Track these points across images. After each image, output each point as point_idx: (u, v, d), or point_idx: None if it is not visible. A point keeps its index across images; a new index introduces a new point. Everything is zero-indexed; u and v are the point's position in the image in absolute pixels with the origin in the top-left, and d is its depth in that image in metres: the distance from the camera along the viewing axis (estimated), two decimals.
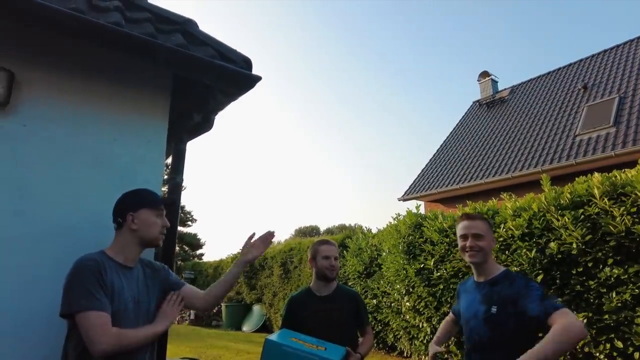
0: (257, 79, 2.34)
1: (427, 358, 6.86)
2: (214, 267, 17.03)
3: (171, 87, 2.37)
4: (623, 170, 4.69)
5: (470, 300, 1.99)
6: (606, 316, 4.33)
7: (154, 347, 1.81)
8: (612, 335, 4.31)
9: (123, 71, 2.25)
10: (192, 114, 2.62)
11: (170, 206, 2.41)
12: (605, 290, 4.36)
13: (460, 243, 2.04)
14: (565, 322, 1.63)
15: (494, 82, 17.33)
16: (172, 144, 2.55)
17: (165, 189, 2.69)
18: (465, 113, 17.41)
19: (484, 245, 1.94)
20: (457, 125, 16.89)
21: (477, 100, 17.29)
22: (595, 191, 4.52)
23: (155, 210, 1.80)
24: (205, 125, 2.64)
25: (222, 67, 2.21)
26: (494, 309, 1.83)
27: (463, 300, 2.08)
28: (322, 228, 42.57)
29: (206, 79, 2.24)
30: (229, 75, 2.26)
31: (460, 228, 2.04)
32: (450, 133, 16.57)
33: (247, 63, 2.33)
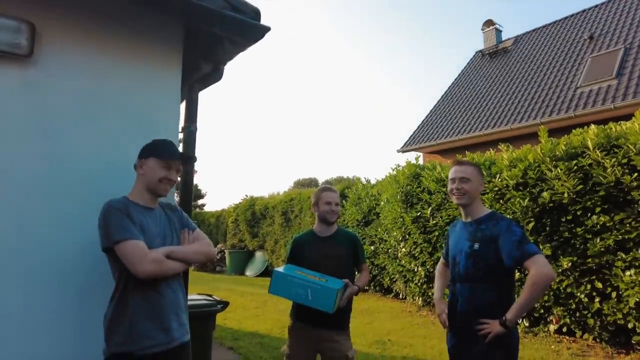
0: (266, 29, 2.40)
1: (420, 299, 7.33)
2: (216, 217, 17.48)
3: (183, 38, 2.43)
4: (619, 122, 4.80)
5: (458, 238, 2.21)
6: (589, 260, 4.64)
7: (182, 279, 2.01)
8: (593, 277, 4.65)
9: (137, 22, 2.29)
10: (201, 64, 2.68)
11: (187, 158, 2.55)
12: (590, 236, 4.64)
13: (449, 186, 2.24)
14: (534, 273, 1.91)
15: (498, 32, 16.87)
16: (184, 93, 2.64)
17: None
18: (468, 63, 17.11)
19: (469, 189, 2.13)
20: (458, 76, 16.66)
21: (480, 50, 16.93)
22: (589, 143, 4.66)
23: (161, 162, 1.89)
24: (215, 75, 2.71)
25: (232, 17, 2.26)
26: (476, 245, 2.06)
27: (451, 239, 2.30)
28: (321, 180, 43.02)
29: (216, 29, 2.29)
30: (239, 25, 2.31)
31: (450, 173, 2.24)
32: (452, 84, 16.38)
33: (256, 14, 2.38)
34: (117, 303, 1.77)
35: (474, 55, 17.39)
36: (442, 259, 2.47)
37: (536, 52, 14.03)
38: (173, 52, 2.39)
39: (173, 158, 1.93)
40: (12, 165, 1.93)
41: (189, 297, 3.23)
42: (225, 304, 3.21)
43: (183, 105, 2.67)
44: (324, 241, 2.63)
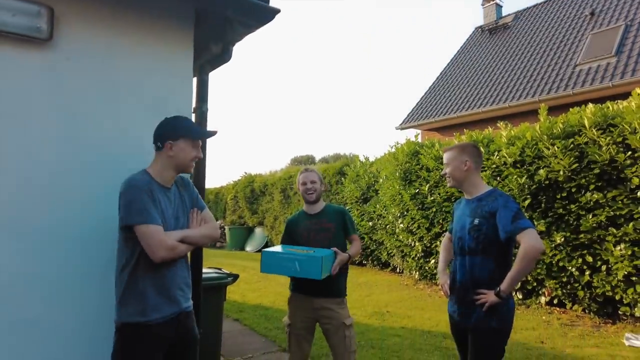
0: (276, 11, 2.44)
1: (417, 273, 7.58)
2: (215, 194, 17.61)
3: (194, 20, 2.47)
4: (616, 101, 4.90)
5: (461, 214, 2.37)
6: (582, 235, 4.82)
7: (187, 255, 2.10)
8: (585, 252, 4.85)
9: (150, 4, 2.33)
10: (210, 45, 2.73)
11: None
12: (583, 212, 4.81)
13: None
14: (524, 246, 2.05)
15: (499, 7, 16.64)
16: (195, 74, 2.70)
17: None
18: (467, 40, 16.95)
19: (449, 172, 2.33)
20: (457, 52, 16.53)
21: (480, 26, 16.75)
22: (586, 122, 4.77)
23: (192, 142, 1.97)
24: (224, 56, 2.74)
25: (244, 0, 2.31)
26: (476, 221, 2.21)
27: (455, 215, 2.44)
28: (317, 157, 42.93)
29: (229, 11, 2.34)
30: (250, 7, 2.36)
31: None
32: (450, 61, 16.27)
33: None
34: (130, 277, 1.86)
35: (473, 32, 17.21)
36: (447, 234, 2.62)
37: (536, 28, 13.92)
38: (184, 33, 2.44)
39: (204, 136, 2.02)
40: (37, 147, 2.02)
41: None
42: (235, 277, 3.36)
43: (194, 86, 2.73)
44: (313, 217, 2.80)
